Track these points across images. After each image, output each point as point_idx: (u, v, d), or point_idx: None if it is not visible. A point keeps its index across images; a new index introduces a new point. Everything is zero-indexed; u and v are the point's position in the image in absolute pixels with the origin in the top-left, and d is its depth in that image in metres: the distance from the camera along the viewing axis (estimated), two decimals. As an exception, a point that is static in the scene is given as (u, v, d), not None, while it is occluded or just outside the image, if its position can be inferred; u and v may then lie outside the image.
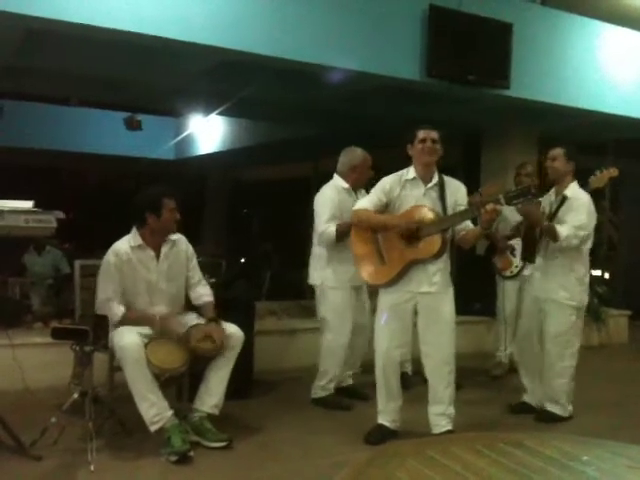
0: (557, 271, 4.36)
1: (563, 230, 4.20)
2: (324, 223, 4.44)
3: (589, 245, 4.39)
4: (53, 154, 11.45)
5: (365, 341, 4.73)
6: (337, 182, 4.61)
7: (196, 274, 4.09)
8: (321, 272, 4.61)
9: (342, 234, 4.35)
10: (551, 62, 5.98)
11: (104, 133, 11.30)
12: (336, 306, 4.58)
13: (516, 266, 5.45)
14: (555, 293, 4.36)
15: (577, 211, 4.25)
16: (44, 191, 11.27)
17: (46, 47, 4.95)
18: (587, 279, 4.46)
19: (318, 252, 4.63)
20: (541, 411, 4.51)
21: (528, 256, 4.65)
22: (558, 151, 4.38)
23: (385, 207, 3.88)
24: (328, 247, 4.53)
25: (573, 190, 4.32)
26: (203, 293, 4.07)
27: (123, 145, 11.43)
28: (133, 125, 10.29)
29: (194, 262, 4.09)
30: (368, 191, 4.23)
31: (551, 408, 4.47)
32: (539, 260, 4.47)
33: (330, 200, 4.50)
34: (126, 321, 3.75)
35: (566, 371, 4.41)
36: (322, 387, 4.67)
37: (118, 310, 3.75)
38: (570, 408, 4.47)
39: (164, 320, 3.80)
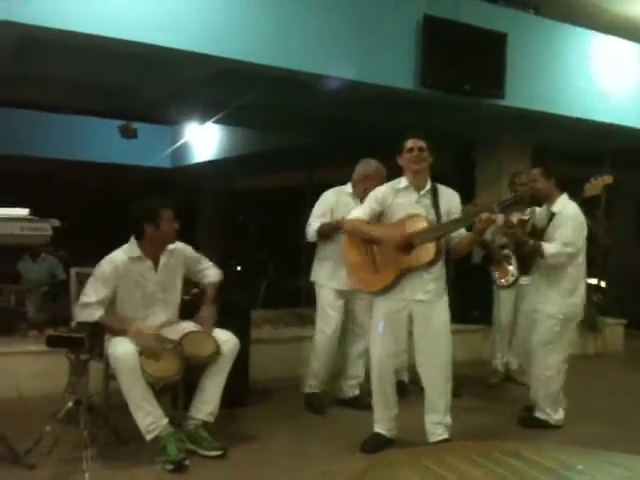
0: (545, 284, 4.39)
1: (549, 248, 4.24)
2: (311, 219, 4.67)
3: (581, 259, 4.37)
4: (48, 162, 11.42)
5: (363, 350, 4.77)
6: (343, 187, 4.78)
7: (202, 263, 4.13)
8: (314, 269, 4.83)
9: (324, 233, 4.59)
10: (545, 71, 6.02)
11: (100, 141, 11.27)
12: (322, 304, 4.76)
13: (512, 275, 5.45)
14: (542, 305, 4.39)
15: (563, 227, 4.27)
16: (39, 199, 11.22)
17: (41, 55, 4.94)
18: (579, 292, 4.40)
19: (317, 250, 4.83)
20: (527, 417, 4.53)
21: (523, 269, 4.76)
22: (535, 172, 4.43)
23: (379, 216, 3.90)
24: (320, 246, 4.76)
25: (561, 205, 4.34)
26: (209, 274, 4.13)
27: (119, 153, 11.41)
28: (128, 133, 10.28)
29: (197, 259, 4.12)
30: None
31: (538, 415, 4.48)
32: (533, 274, 4.52)
33: (325, 199, 4.74)
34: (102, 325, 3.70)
35: (550, 381, 4.41)
36: (305, 383, 4.84)
37: (94, 315, 3.68)
38: (557, 417, 4.45)
39: (138, 331, 3.71)
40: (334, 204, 4.66)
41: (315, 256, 4.85)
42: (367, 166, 4.69)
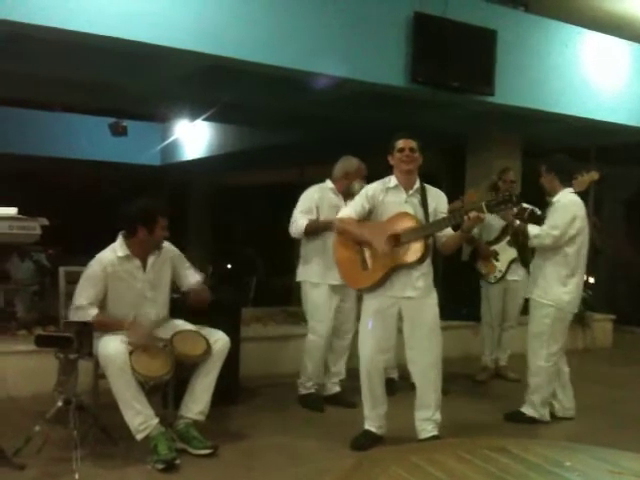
0: (538, 271, 4.47)
1: (534, 229, 4.36)
2: (297, 214, 4.64)
3: (575, 247, 4.34)
4: (37, 160, 11.37)
5: (347, 347, 4.82)
6: (325, 183, 4.77)
7: (189, 271, 4.10)
8: (302, 269, 4.76)
9: (312, 230, 4.57)
10: (535, 68, 6.04)
11: (89, 139, 11.23)
12: (315, 304, 4.70)
13: (500, 271, 5.51)
14: (533, 292, 4.48)
15: (553, 212, 4.37)
16: (28, 197, 11.15)
17: (29, 52, 4.92)
18: (574, 281, 4.36)
19: (302, 250, 4.78)
20: (513, 412, 4.55)
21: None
22: (541, 168, 4.50)
23: (369, 214, 3.91)
24: (306, 244, 4.71)
25: (560, 195, 4.41)
26: (194, 276, 4.09)
27: (108, 151, 11.37)
28: (118, 130, 10.26)
29: (183, 261, 4.09)
30: None
31: (524, 409, 4.50)
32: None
33: (309, 196, 4.70)
34: (97, 325, 3.68)
35: (541, 372, 4.42)
36: (300, 384, 4.80)
37: (89, 315, 3.68)
38: (544, 412, 4.46)
39: (134, 324, 3.75)
40: (319, 200, 4.65)
41: (301, 255, 4.78)
42: (349, 164, 4.71)
